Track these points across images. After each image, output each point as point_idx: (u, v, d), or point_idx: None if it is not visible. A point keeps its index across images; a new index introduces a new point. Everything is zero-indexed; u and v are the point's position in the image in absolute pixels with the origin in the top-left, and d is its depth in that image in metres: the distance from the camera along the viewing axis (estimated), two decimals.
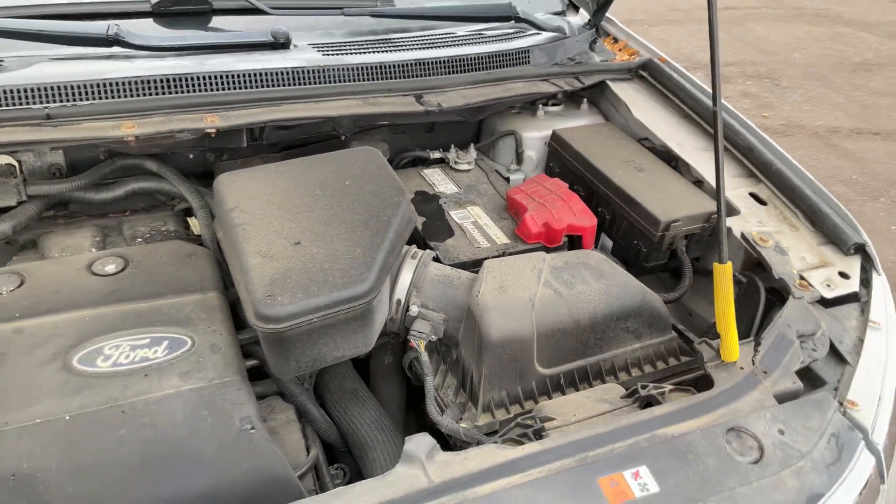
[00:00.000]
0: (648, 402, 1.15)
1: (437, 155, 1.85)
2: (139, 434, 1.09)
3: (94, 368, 1.16)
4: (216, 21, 1.73)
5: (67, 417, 1.09)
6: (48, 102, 1.34)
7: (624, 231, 1.63)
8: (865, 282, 1.42)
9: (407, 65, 1.67)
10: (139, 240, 1.49)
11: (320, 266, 1.18)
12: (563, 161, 1.80)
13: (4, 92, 1.32)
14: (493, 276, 1.32)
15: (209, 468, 1.07)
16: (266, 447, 1.11)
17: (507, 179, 1.84)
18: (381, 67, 1.63)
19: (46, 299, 1.25)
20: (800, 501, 0.98)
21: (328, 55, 1.63)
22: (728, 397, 1.09)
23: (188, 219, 1.58)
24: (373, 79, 1.62)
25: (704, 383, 1.16)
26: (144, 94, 1.41)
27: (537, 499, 0.91)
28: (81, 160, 1.53)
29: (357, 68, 1.61)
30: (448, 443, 1.28)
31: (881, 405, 1.15)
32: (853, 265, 1.44)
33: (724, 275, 1.13)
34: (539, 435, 1.07)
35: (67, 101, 1.36)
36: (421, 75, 1.68)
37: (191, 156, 1.62)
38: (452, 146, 1.86)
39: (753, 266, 1.57)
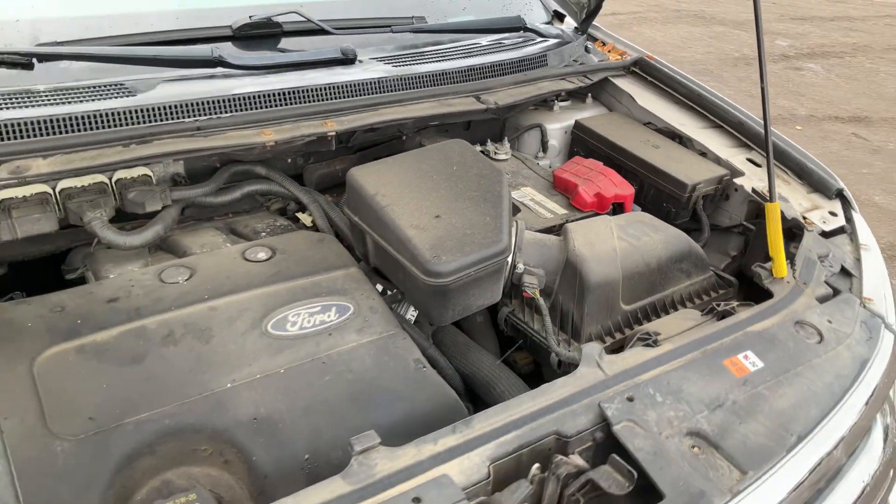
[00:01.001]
0: (723, 316, 1.50)
1: (479, 148, 2.14)
2: (342, 378, 1.32)
3: (286, 332, 1.38)
4: (285, 42, 1.96)
5: (282, 371, 1.31)
6: (190, 116, 1.54)
7: (653, 197, 1.98)
8: (848, 218, 1.82)
9: (462, 71, 1.96)
10: (263, 234, 1.70)
11: (464, 232, 1.45)
12: (587, 145, 2.14)
13: (156, 109, 1.52)
14: (579, 234, 1.64)
15: (400, 399, 1.32)
16: (436, 380, 1.37)
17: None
18: (442, 74, 1.92)
19: (223, 283, 1.46)
20: (854, 366, 1.34)
21: (398, 66, 1.90)
22: (787, 302, 1.45)
23: (297, 214, 1.80)
24: (438, 84, 1.90)
25: (761, 297, 1.51)
26: (267, 106, 1.63)
27: (688, 377, 1.22)
28: (196, 169, 1.73)
29: (425, 76, 1.88)
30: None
31: (887, 300, 1.54)
32: (837, 206, 1.85)
33: (774, 211, 1.49)
34: (657, 343, 1.39)
35: (205, 115, 1.57)
36: (473, 79, 1.97)
37: (289, 160, 1.84)
38: (489, 140, 2.16)
39: (754, 216, 1.97)
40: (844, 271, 1.63)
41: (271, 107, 1.63)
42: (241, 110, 1.60)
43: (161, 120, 1.51)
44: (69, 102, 1.50)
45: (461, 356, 1.67)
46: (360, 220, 1.57)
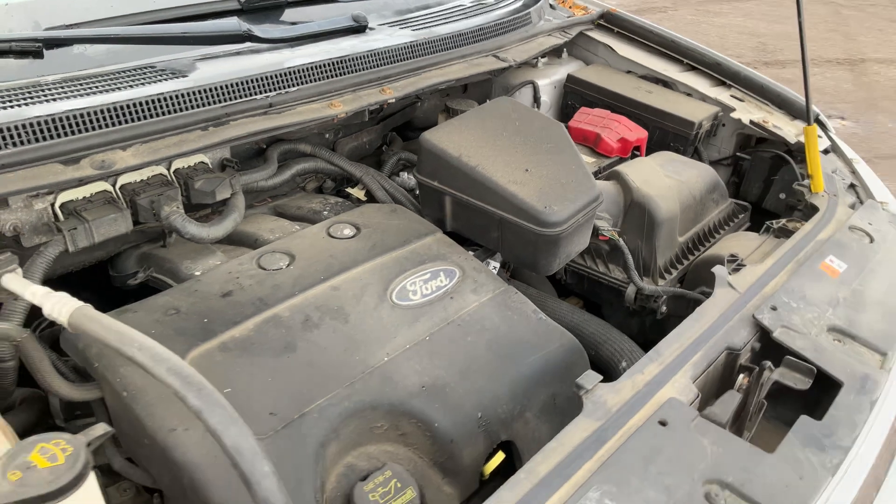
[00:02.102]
0: (780, 233, 1.66)
1: (460, 106, 2.15)
2: (481, 336, 1.34)
3: (412, 301, 1.37)
4: (293, 13, 1.86)
5: (427, 338, 1.30)
6: (254, 94, 1.45)
7: (658, 138, 2.12)
8: (830, 139, 2.06)
9: (474, 31, 1.96)
10: (325, 213, 1.63)
11: (558, 182, 1.49)
12: (583, 97, 2.24)
13: (217, 89, 1.40)
14: (636, 176, 1.73)
15: (534, 348, 1.36)
16: (556, 326, 1.42)
17: None
18: (461, 35, 1.91)
19: (329, 263, 1.40)
20: None
21: (417, 30, 1.87)
22: (832, 212, 1.64)
23: (348, 189, 1.74)
24: (457, 46, 1.89)
25: (808, 211, 1.69)
26: (319, 78, 1.56)
27: (803, 284, 1.36)
28: (240, 152, 1.62)
29: (447, 38, 1.87)
30: None
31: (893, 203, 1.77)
32: (818, 130, 2.08)
33: (812, 133, 1.67)
34: (743, 264, 1.52)
35: (266, 92, 1.47)
36: (484, 38, 1.99)
37: (327, 135, 1.77)
38: (488, 100, 2.19)
39: (743, 147, 2.17)
40: (850, 185, 1.85)
41: (323, 78, 1.56)
42: (300, 84, 1.51)
43: (225, 100, 1.40)
44: (117, 89, 1.35)
45: (540, 305, 1.71)
46: (441, 183, 1.56)
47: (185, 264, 1.42)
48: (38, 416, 1.25)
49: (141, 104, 1.31)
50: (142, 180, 1.39)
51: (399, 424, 1.20)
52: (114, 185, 1.36)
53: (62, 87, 1.31)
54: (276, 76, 1.48)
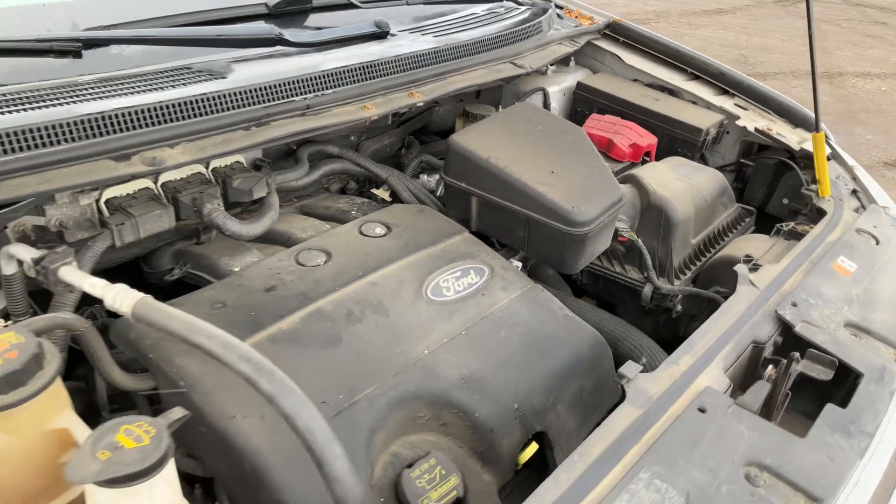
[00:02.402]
0: (791, 235, 1.73)
1: (479, 111, 2.21)
2: (514, 332, 1.39)
3: (446, 297, 1.41)
4: (317, 18, 1.91)
5: (463, 332, 1.35)
6: (292, 96, 1.49)
7: (667, 144, 2.19)
8: (830, 146, 2.15)
9: (491, 39, 2.02)
10: (353, 212, 1.68)
11: (584, 183, 1.55)
12: (592, 104, 2.30)
13: (256, 90, 1.44)
14: (652, 180, 1.79)
15: (563, 343, 1.42)
16: (582, 323, 1.48)
17: None
18: (480, 42, 1.97)
19: (365, 259, 1.44)
20: None
21: (437, 37, 1.92)
22: (839, 215, 1.71)
23: (372, 190, 1.78)
24: (477, 53, 1.95)
25: (815, 214, 1.77)
26: (350, 82, 1.60)
27: (819, 282, 1.43)
28: (271, 152, 1.66)
29: (467, 44, 1.93)
30: None
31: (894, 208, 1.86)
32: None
33: (820, 140, 1.75)
34: (759, 265, 1.58)
35: (303, 94, 1.51)
36: (501, 46, 2.04)
37: (352, 138, 1.81)
38: (500, 106, 2.25)
39: (746, 154, 2.25)
40: (852, 191, 1.94)
41: (355, 82, 1.60)
42: (334, 86, 1.56)
43: (265, 101, 1.44)
44: (160, 88, 1.38)
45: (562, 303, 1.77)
46: (468, 185, 1.61)
47: (224, 261, 1.45)
48: (82, 409, 1.28)
49: (186, 104, 1.35)
50: (182, 178, 1.43)
51: (441, 414, 1.24)
52: (155, 183, 1.40)
53: (107, 86, 1.34)
54: (312, 79, 1.52)
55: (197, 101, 1.36)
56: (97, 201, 1.32)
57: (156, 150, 1.28)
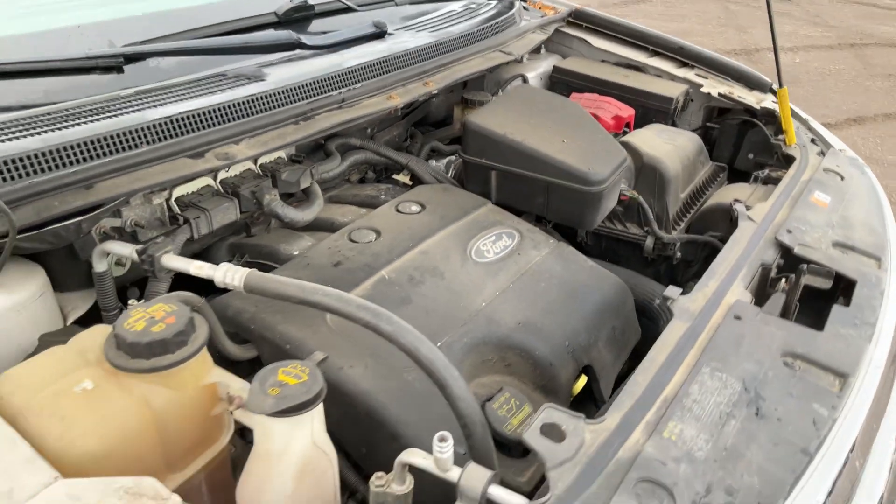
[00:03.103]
0: (767, 181, 1.96)
1: (476, 97, 2.39)
2: (552, 283, 1.56)
3: (488, 259, 1.58)
4: (321, 23, 2.05)
5: (511, 287, 1.52)
6: (328, 92, 1.63)
7: (641, 114, 2.40)
8: None
9: (480, 31, 2.20)
10: (382, 196, 1.82)
11: (592, 149, 1.74)
12: (569, 85, 2.50)
13: (303, 86, 1.58)
14: (642, 143, 2.00)
15: (593, 290, 1.60)
16: (605, 272, 1.67)
17: None
18: (471, 35, 2.14)
19: (412, 233, 1.59)
20: (872, 194, 1.87)
21: (433, 32, 2.09)
22: (806, 160, 1.95)
23: (394, 176, 1.93)
24: (470, 44, 2.12)
25: (783, 162, 2.00)
26: (370, 77, 1.75)
27: (805, 213, 1.65)
28: (302, 147, 1.79)
29: (461, 37, 2.10)
30: None
31: (849, 150, 2.12)
32: (773, 97, 2.43)
33: (784, 95, 1.99)
34: (749, 206, 1.80)
35: (335, 90, 1.65)
36: (487, 37, 2.22)
37: (368, 130, 1.96)
38: (483, 91, 2.43)
39: (709, 118, 2.49)
40: (812, 138, 2.19)
41: (377, 76, 1.75)
42: (359, 81, 1.70)
43: (305, 98, 1.57)
44: (211, 93, 1.50)
45: None
46: (488, 160, 1.78)
47: (282, 247, 1.58)
48: None
49: (240, 104, 1.48)
50: (237, 175, 1.55)
51: (505, 356, 1.41)
52: (214, 180, 1.51)
53: (159, 95, 1.46)
54: (340, 75, 1.66)
55: (249, 101, 1.49)
56: (167, 200, 1.44)
57: (224, 146, 1.40)
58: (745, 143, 2.39)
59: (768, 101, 2.36)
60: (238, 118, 1.46)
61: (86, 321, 1.39)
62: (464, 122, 1.78)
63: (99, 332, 1.05)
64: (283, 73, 1.65)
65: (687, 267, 2.06)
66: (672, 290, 1.31)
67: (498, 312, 1.44)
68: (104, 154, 1.26)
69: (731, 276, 1.40)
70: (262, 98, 1.51)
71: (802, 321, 1.32)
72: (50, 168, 1.21)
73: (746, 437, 1.02)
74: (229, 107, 1.45)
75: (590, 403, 1.54)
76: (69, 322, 1.35)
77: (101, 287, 1.34)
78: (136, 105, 1.40)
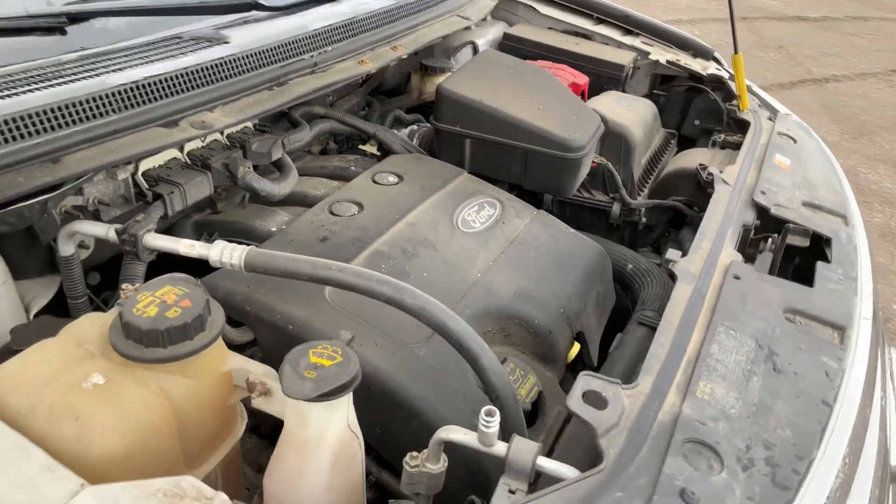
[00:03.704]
0: (725, 145, 2.02)
1: (437, 64, 2.33)
2: (540, 251, 1.55)
3: (475, 228, 1.54)
4: None
5: (502, 256, 1.49)
6: (297, 56, 1.52)
7: (593, 81, 2.41)
8: (727, 70, 2.48)
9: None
10: (352, 168, 1.74)
11: (569, 116, 1.72)
12: (521, 53, 2.47)
13: (271, 50, 1.46)
14: (606, 109, 2.00)
15: (577, 256, 1.60)
16: (584, 238, 1.67)
17: None
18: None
19: (396, 205, 1.53)
20: (823, 155, 1.96)
21: None
22: (760, 124, 2.02)
23: (360, 146, 1.85)
24: (427, 8, 2.05)
25: (737, 126, 2.06)
26: (336, 40, 1.65)
27: (772, 175, 1.70)
28: (267, 117, 1.68)
29: (417, 2, 2.02)
30: None
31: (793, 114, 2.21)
32: (715, 64, 2.49)
33: (739, 61, 2.04)
34: (712, 173, 1.84)
35: (300, 55, 1.55)
36: (442, 1, 2.16)
37: (328, 98, 1.86)
38: (441, 58, 2.37)
39: (656, 85, 2.54)
40: (759, 104, 2.27)
41: (345, 39, 1.66)
42: (327, 44, 1.61)
43: (273, 63, 1.47)
44: (172, 56, 1.37)
45: None
46: (462, 128, 1.73)
47: (258, 223, 1.48)
48: None
49: (206, 69, 1.36)
50: (204, 146, 1.43)
51: (505, 327, 1.38)
52: (181, 151, 1.39)
53: (115, 58, 1.32)
54: (308, 38, 1.56)
55: (218, 65, 1.37)
56: (133, 175, 1.31)
57: (199, 114, 1.29)
58: (691, 109, 2.45)
59: (712, 69, 2.42)
60: (208, 84, 1.34)
61: (49, 310, 1.26)
62: (438, 89, 1.72)
63: (92, 320, 0.94)
64: (247, 36, 1.53)
65: (649, 232, 2.10)
66: (673, 253, 1.32)
67: (494, 282, 1.41)
68: (70, 123, 1.13)
69: (720, 238, 1.42)
70: (231, 62, 1.39)
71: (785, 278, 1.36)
72: (8, 140, 1.07)
73: (770, 393, 1.04)
74: (197, 71, 1.33)
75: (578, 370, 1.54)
76: (32, 313, 1.22)
77: (67, 273, 1.21)
78: (92, 70, 1.26)
